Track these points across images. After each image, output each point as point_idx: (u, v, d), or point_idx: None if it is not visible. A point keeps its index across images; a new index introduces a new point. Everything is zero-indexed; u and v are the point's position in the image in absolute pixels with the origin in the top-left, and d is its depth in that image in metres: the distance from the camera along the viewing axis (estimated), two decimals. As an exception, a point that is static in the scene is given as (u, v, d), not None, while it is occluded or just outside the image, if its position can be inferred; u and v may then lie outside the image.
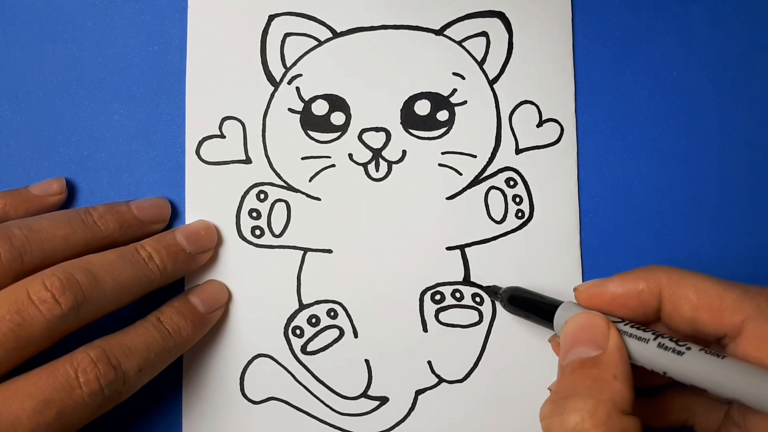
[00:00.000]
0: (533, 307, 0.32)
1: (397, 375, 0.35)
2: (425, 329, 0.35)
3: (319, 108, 0.35)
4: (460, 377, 0.35)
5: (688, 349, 0.26)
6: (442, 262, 0.35)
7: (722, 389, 0.25)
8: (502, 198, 0.35)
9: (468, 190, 0.35)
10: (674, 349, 0.26)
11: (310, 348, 0.34)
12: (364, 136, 0.35)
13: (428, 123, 0.35)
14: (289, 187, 0.35)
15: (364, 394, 0.34)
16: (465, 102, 0.35)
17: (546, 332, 0.33)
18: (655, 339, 0.27)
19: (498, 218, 0.35)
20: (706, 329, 0.27)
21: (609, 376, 0.26)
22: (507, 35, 0.36)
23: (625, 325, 0.28)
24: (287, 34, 0.35)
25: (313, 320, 0.35)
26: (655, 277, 0.28)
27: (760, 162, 0.36)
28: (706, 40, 0.36)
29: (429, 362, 0.35)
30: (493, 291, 0.34)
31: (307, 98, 0.35)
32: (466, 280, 0.35)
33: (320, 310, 0.35)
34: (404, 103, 0.35)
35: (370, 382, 0.35)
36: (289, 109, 0.35)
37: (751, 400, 0.24)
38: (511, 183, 0.35)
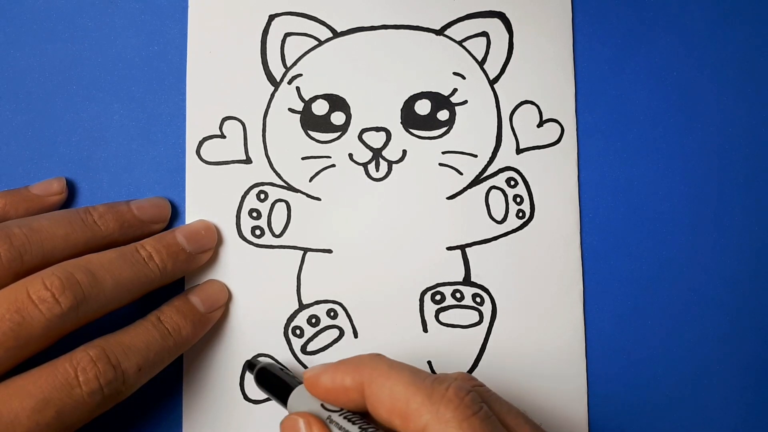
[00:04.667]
0: (274, 387, 0.31)
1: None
2: (425, 329, 0.35)
3: (320, 108, 0.35)
4: (461, 377, 0.35)
5: None
6: (443, 262, 0.35)
7: None
8: (503, 198, 0.35)
9: (468, 190, 0.35)
10: None
11: (310, 348, 0.34)
12: (365, 136, 0.35)
13: (429, 123, 0.35)
14: (289, 187, 0.35)
15: (365, 394, 0.34)
16: (465, 102, 0.35)
17: (547, 332, 0.33)
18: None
19: (499, 218, 0.35)
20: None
21: None
22: (507, 35, 0.36)
23: (339, 415, 0.28)
24: (287, 34, 0.35)
25: (313, 320, 0.34)
26: (360, 373, 0.27)
27: (760, 162, 0.36)
28: (706, 40, 0.36)
29: (429, 362, 0.35)
30: (251, 364, 0.33)
31: (307, 98, 0.35)
32: (467, 281, 0.35)
33: (320, 310, 0.35)
34: (404, 102, 0.35)
35: (371, 383, 0.34)
36: (290, 109, 0.35)
37: None
38: (512, 183, 0.35)
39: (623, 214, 0.36)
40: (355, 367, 0.28)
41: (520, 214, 0.35)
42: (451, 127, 0.35)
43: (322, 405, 0.28)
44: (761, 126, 0.36)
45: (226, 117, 0.35)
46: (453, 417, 0.25)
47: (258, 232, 0.35)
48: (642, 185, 0.36)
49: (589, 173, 0.36)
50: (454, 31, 0.35)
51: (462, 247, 0.35)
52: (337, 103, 0.35)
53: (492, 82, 0.36)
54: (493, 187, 0.35)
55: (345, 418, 0.27)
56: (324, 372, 0.28)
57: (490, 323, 0.35)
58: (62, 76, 0.35)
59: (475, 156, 0.35)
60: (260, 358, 0.34)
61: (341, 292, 0.35)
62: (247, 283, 0.34)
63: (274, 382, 0.31)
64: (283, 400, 0.30)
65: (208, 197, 0.35)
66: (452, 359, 0.35)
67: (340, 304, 0.35)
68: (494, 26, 0.36)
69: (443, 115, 0.35)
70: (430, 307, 0.35)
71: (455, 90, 0.35)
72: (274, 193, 0.35)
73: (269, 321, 0.34)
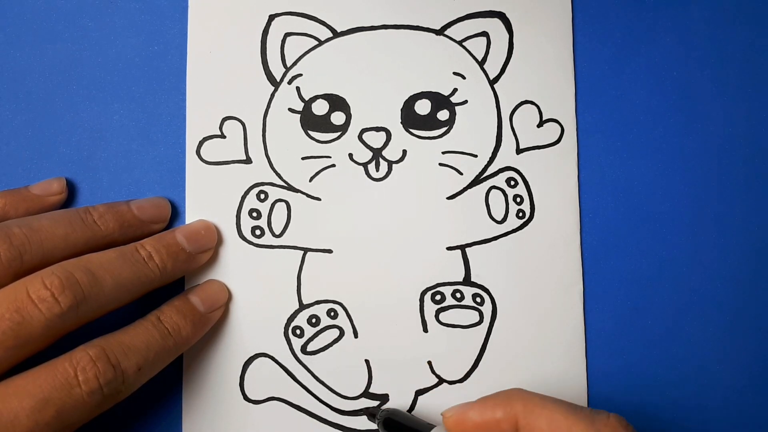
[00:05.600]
0: (407, 430, 0.32)
1: (397, 375, 0.35)
2: (425, 329, 0.35)
3: (320, 108, 0.35)
4: (460, 377, 0.35)
5: None
6: (443, 262, 0.35)
7: None
8: (503, 198, 0.35)
9: (469, 190, 0.35)
10: None
11: (310, 348, 0.34)
12: (365, 136, 0.35)
13: (429, 122, 0.35)
14: (290, 187, 0.35)
15: (364, 394, 0.34)
16: (465, 102, 0.35)
17: (547, 332, 0.33)
18: None
19: (499, 218, 0.35)
20: None
21: None
22: (507, 35, 0.36)
23: None
24: (287, 34, 0.35)
25: (313, 320, 0.34)
26: (512, 405, 0.28)
27: (760, 162, 0.36)
28: (706, 40, 0.36)
29: (429, 362, 0.35)
30: (371, 413, 0.33)
31: (307, 98, 0.35)
32: (467, 281, 0.35)
33: (320, 310, 0.35)
34: (405, 102, 0.35)
35: (370, 383, 0.34)
36: (290, 109, 0.35)
37: None
38: (512, 183, 0.35)
39: (623, 214, 0.36)
40: (505, 401, 0.29)
41: (520, 214, 0.35)
42: (451, 127, 0.35)
43: None
44: (761, 126, 0.36)
45: (226, 117, 0.35)
46: None
47: (258, 232, 0.35)
48: (642, 185, 0.36)
49: (589, 173, 0.36)
50: (454, 31, 0.35)
51: (462, 247, 0.35)
52: (337, 103, 0.35)
53: (492, 82, 0.36)
54: (493, 187, 0.35)
55: None
56: (470, 409, 0.29)
57: (490, 323, 0.35)
58: (62, 76, 0.35)
59: (475, 156, 0.35)
60: (381, 407, 0.34)
61: (341, 292, 0.35)
62: (247, 283, 0.34)
63: (406, 428, 0.32)
64: None
65: (208, 197, 0.35)
66: (452, 359, 0.35)
67: (340, 304, 0.35)
68: (494, 26, 0.36)
69: (443, 115, 0.35)
70: (430, 307, 0.35)
71: (455, 90, 0.35)
72: (274, 193, 0.35)
73: (269, 321, 0.34)
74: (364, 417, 0.34)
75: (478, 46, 0.36)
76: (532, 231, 0.35)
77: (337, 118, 0.35)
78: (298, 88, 0.35)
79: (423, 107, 0.35)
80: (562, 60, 0.36)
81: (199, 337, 0.32)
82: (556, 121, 0.36)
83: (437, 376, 0.35)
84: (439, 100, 0.35)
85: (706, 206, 0.36)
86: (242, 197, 0.35)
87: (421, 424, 0.32)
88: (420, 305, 0.35)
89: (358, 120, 0.35)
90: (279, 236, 0.35)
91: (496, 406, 0.29)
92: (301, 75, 0.35)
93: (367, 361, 0.35)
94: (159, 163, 0.35)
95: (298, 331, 0.34)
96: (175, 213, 0.35)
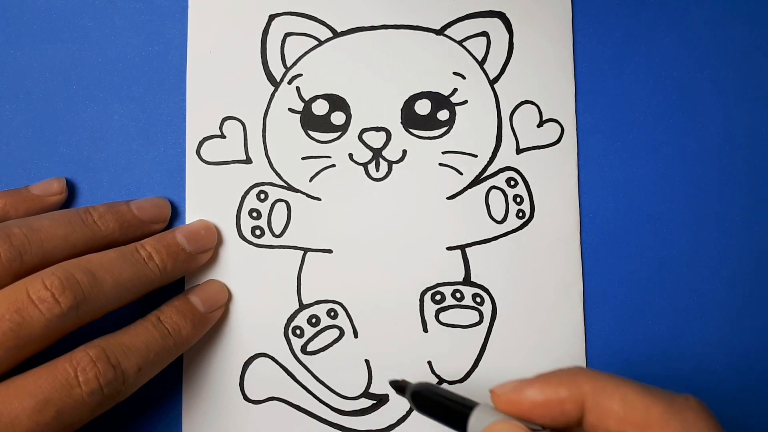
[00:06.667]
0: (443, 408, 0.28)
1: (397, 375, 0.34)
2: (425, 329, 0.35)
3: (320, 108, 0.35)
4: (460, 377, 0.35)
5: None
6: (443, 262, 0.35)
7: None
8: (503, 198, 0.35)
9: (469, 190, 0.35)
10: None
11: (310, 348, 0.34)
12: (365, 136, 0.35)
13: (429, 122, 0.35)
14: (290, 187, 0.35)
15: (364, 394, 0.34)
16: (465, 102, 0.35)
17: (547, 332, 0.33)
18: None
19: (499, 218, 0.35)
20: None
21: None
22: (507, 35, 0.36)
23: None
24: (287, 34, 0.35)
25: (313, 320, 0.34)
26: (578, 384, 0.26)
27: (760, 162, 0.36)
28: (706, 40, 0.36)
29: (429, 362, 0.35)
30: (400, 387, 0.30)
31: (307, 98, 0.35)
32: (467, 281, 0.35)
33: (320, 310, 0.35)
34: (405, 102, 0.35)
35: (370, 383, 0.34)
36: (290, 109, 0.35)
37: None
38: (512, 183, 0.35)
39: (623, 214, 0.36)
40: (570, 379, 0.26)
41: (520, 214, 0.35)
42: (451, 127, 0.35)
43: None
44: (761, 126, 0.36)
45: (226, 117, 0.35)
46: (706, 426, 0.24)
47: (258, 232, 0.35)
48: (642, 185, 0.36)
49: (589, 173, 0.36)
50: (454, 31, 0.35)
51: (462, 247, 0.35)
52: (337, 103, 0.35)
53: (492, 82, 0.36)
54: (493, 187, 0.35)
55: None
56: (528, 386, 0.26)
57: (490, 323, 0.35)
58: (62, 76, 0.35)
59: (475, 156, 0.35)
60: (406, 379, 0.30)
61: (341, 292, 0.35)
62: (247, 283, 0.34)
63: (441, 405, 0.28)
64: (457, 424, 0.27)
65: (208, 197, 0.35)
66: (452, 359, 0.35)
67: (340, 304, 0.35)
68: (494, 26, 0.36)
69: (443, 115, 0.35)
70: (430, 307, 0.35)
71: (455, 90, 0.35)
72: (274, 193, 0.35)
73: (269, 321, 0.34)
74: (364, 417, 0.34)
75: (478, 46, 0.36)
76: (532, 231, 0.35)
77: (337, 118, 0.35)
78: (298, 88, 0.35)
79: (423, 107, 0.35)
80: (562, 60, 0.36)
81: (199, 337, 0.32)
82: (556, 121, 0.36)
83: (437, 376, 0.35)
84: (439, 100, 0.35)
85: (706, 206, 0.36)
86: (242, 197, 0.35)
87: (460, 400, 0.28)
88: (420, 305, 0.35)
89: (358, 120, 0.35)
90: (279, 236, 0.35)
91: (561, 385, 0.26)
92: (301, 75, 0.35)
93: (367, 361, 0.35)
94: (159, 163, 0.35)
95: (298, 331, 0.34)
96: (175, 213, 0.35)
